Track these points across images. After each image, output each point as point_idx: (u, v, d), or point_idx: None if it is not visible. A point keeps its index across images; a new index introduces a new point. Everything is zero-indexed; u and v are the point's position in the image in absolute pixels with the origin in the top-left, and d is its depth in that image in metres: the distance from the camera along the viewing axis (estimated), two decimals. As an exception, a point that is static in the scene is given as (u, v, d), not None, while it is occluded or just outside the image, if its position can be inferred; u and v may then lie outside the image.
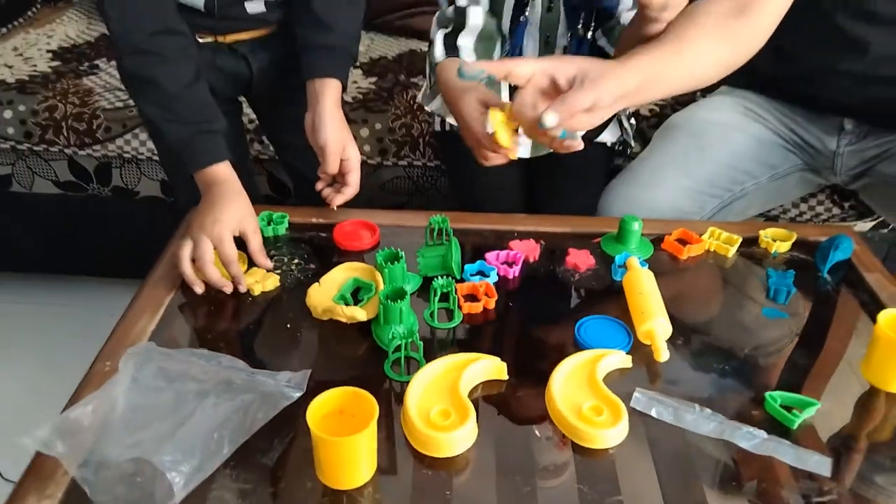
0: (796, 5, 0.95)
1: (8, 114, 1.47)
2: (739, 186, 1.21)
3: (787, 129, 1.23)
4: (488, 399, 0.75)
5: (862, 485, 0.67)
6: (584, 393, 0.73)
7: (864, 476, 0.68)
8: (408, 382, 0.73)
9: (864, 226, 1.47)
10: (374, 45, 1.82)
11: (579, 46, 1.16)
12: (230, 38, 1.12)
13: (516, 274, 0.93)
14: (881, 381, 0.78)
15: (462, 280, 0.90)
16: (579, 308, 0.90)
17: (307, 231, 1.03)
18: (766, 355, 0.83)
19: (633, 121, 1.35)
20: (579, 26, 1.04)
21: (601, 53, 1.15)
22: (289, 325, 0.85)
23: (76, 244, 1.66)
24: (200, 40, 1.08)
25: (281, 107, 1.24)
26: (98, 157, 1.51)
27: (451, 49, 1.09)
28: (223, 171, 0.97)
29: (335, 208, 1.05)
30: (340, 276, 0.90)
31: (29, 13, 1.92)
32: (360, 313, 0.82)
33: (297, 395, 0.72)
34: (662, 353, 0.79)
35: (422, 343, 0.78)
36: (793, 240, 1.00)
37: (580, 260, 0.95)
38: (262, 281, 0.90)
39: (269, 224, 1.01)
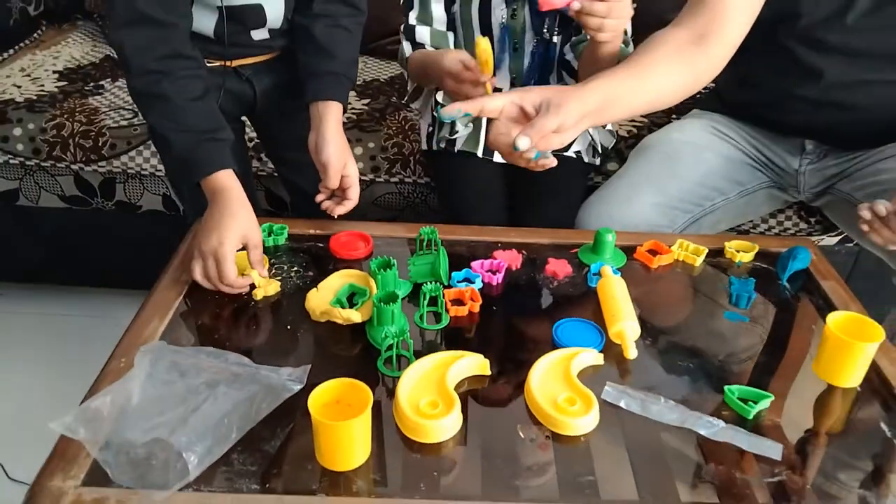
0: (756, 37, 1.05)
1: (17, 131, 1.54)
2: (709, 202, 1.30)
3: (753, 148, 1.32)
4: (472, 392, 0.82)
5: (810, 467, 0.75)
6: (560, 386, 0.80)
7: (811, 459, 0.76)
8: (399, 378, 0.80)
9: (831, 240, 1.56)
10: (367, 69, 1.90)
11: (546, 52, 1.26)
12: (236, 62, 1.19)
13: (499, 281, 1.00)
14: (830, 376, 0.85)
15: (449, 286, 0.97)
16: (557, 311, 0.97)
17: (305, 241, 1.10)
18: (726, 354, 0.90)
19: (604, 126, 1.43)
20: (545, 30, 1.12)
21: (568, 66, 1.27)
22: (289, 327, 0.92)
23: (80, 256, 1.72)
24: (209, 65, 1.15)
25: (282, 125, 1.31)
26: (103, 173, 1.58)
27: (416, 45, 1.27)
28: (228, 180, 1.00)
29: (336, 217, 1.12)
30: (337, 282, 0.97)
31: (35, 35, 1.99)
32: (355, 315, 0.89)
33: (298, 387, 0.78)
34: (631, 352, 0.86)
35: (412, 342, 0.85)
36: (755, 251, 1.08)
37: (559, 268, 1.02)
38: (265, 287, 0.97)
39: (269, 235, 1.09)
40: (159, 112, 1.01)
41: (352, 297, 0.95)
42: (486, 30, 1.26)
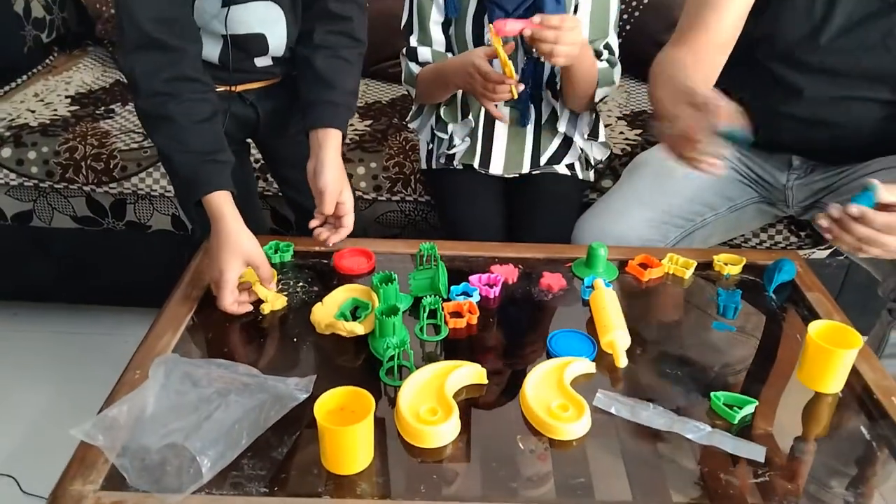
0: (739, 57, 1.10)
1: (32, 154, 1.59)
2: (700, 217, 1.34)
3: (743, 165, 1.36)
4: (470, 400, 0.86)
5: (794, 470, 0.78)
6: (553, 393, 0.84)
7: (795, 462, 0.79)
8: (400, 387, 0.84)
9: (822, 253, 1.60)
10: (369, 91, 1.96)
11: (536, 69, 1.33)
12: (241, 87, 1.24)
13: (496, 294, 1.04)
14: (812, 383, 0.89)
15: (448, 299, 1.01)
16: (551, 322, 1.01)
17: (310, 258, 1.14)
18: (714, 362, 0.94)
19: (601, 138, 1.48)
20: (534, 50, 1.17)
21: (554, 88, 1.35)
22: (295, 339, 0.96)
23: (90, 275, 1.77)
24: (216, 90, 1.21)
25: (284, 147, 1.36)
26: (114, 194, 1.63)
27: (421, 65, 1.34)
28: (224, 205, 1.02)
29: (331, 245, 1.14)
30: (340, 296, 1.01)
31: (47, 61, 2.06)
32: (358, 328, 0.94)
33: (304, 396, 0.82)
34: (622, 361, 0.90)
35: (412, 352, 0.89)
36: (742, 263, 1.12)
37: (553, 282, 1.07)
38: (272, 301, 1.01)
39: (276, 252, 1.13)
40: (164, 133, 1.04)
41: (355, 311, 0.99)
42: None
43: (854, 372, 0.89)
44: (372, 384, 0.87)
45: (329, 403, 0.76)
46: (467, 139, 1.40)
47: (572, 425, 0.80)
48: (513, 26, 1.09)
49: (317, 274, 1.11)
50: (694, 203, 1.32)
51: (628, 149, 1.62)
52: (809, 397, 0.88)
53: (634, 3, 1.94)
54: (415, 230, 1.66)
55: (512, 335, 0.98)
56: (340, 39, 1.18)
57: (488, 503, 0.73)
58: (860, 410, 0.87)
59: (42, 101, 1.81)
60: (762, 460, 0.78)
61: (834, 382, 0.88)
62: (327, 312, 0.97)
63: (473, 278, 1.06)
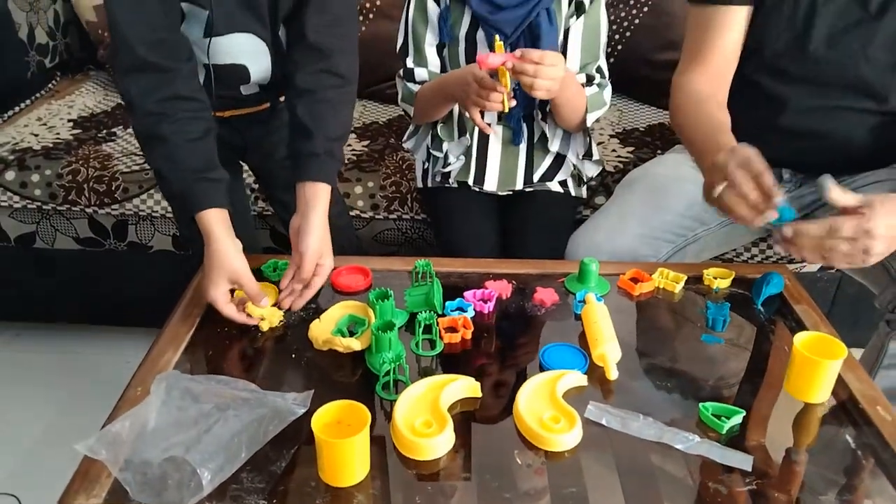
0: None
1: (35, 177, 1.63)
2: (692, 233, 1.36)
3: (733, 180, 1.39)
4: (464, 412, 0.88)
5: (781, 479, 0.80)
6: (546, 405, 0.86)
7: (782, 471, 0.81)
8: (396, 400, 0.86)
9: (813, 267, 1.62)
10: (366, 112, 1.99)
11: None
12: (228, 113, 1.26)
13: (490, 309, 1.06)
14: (799, 393, 0.91)
15: (443, 315, 1.04)
16: (544, 336, 1.03)
17: (308, 276, 1.16)
18: (703, 374, 0.96)
19: (595, 156, 1.50)
20: None
21: (545, 104, 1.38)
22: (293, 355, 0.98)
23: (92, 296, 1.79)
24: None
25: (273, 170, 1.38)
26: (116, 216, 1.66)
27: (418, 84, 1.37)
28: (215, 224, 1.03)
29: (293, 310, 1.07)
30: (337, 312, 1.03)
31: (50, 86, 2.09)
32: (355, 344, 0.96)
33: (302, 411, 0.84)
34: (612, 373, 0.92)
35: (408, 367, 0.91)
36: (731, 277, 1.14)
37: (546, 296, 1.09)
38: (269, 318, 1.03)
39: (274, 270, 1.15)
40: (158, 152, 1.05)
41: (352, 327, 1.01)
42: None
43: (840, 382, 0.91)
44: (368, 399, 0.89)
45: (326, 417, 0.78)
46: (462, 157, 1.43)
47: (564, 436, 0.82)
48: (494, 59, 1.12)
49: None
50: (685, 218, 1.34)
51: (620, 166, 1.64)
52: (799, 408, 0.90)
53: (626, 24, 1.98)
54: (412, 247, 1.69)
55: (505, 349, 1.01)
56: (322, 79, 1.13)
57: (482, 513, 0.75)
58: (847, 420, 0.89)
59: (45, 124, 1.84)
60: (749, 469, 0.80)
61: (820, 392, 0.90)
62: (324, 329, 0.99)
63: (468, 294, 1.08)
